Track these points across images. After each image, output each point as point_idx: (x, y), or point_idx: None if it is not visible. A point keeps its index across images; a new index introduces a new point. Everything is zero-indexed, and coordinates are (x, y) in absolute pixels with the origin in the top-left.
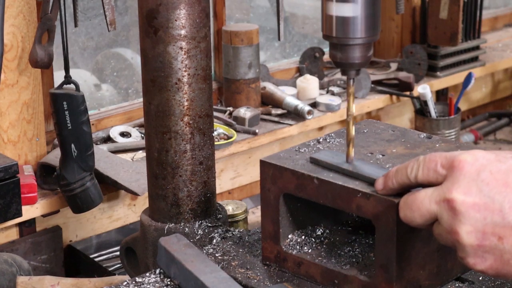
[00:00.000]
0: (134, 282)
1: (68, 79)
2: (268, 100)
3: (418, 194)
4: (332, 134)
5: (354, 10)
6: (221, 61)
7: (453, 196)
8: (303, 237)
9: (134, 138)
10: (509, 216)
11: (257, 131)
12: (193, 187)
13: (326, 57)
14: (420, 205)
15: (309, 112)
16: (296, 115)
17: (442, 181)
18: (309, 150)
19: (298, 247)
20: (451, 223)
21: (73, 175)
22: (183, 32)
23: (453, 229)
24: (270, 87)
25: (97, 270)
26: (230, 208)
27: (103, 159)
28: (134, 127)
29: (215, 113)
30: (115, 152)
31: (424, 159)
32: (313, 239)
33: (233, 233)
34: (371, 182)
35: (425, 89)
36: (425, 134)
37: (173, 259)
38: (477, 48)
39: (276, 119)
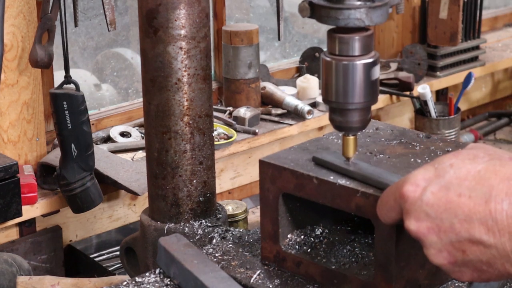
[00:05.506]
0: (134, 282)
1: (68, 79)
2: (268, 100)
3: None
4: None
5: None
6: (221, 61)
7: (409, 227)
8: (302, 236)
9: (134, 138)
10: (461, 231)
11: (257, 131)
12: (193, 187)
13: None
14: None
15: (309, 112)
16: (296, 115)
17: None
18: (311, 149)
19: (297, 246)
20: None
21: (73, 175)
22: (183, 32)
23: (425, 253)
24: (270, 87)
25: (97, 270)
26: (230, 208)
27: (103, 159)
28: (134, 127)
29: (215, 113)
30: (115, 152)
31: (381, 201)
32: (312, 239)
33: (233, 233)
34: (375, 185)
35: (425, 89)
36: (424, 134)
37: (172, 259)
38: (477, 48)
39: (276, 119)
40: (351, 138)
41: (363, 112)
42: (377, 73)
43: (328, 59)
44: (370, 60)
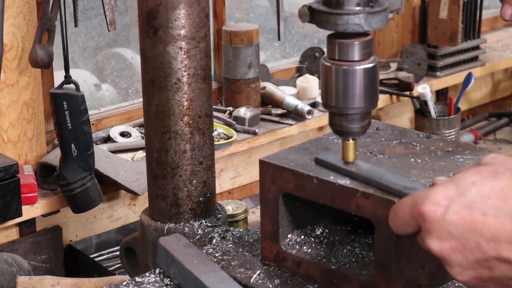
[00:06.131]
0: (134, 282)
1: (68, 79)
2: (268, 100)
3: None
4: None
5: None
6: (221, 61)
7: (431, 247)
8: (302, 236)
9: (134, 138)
10: (488, 250)
11: (257, 131)
12: (193, 187)
13: None
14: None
15: (309, 112)
16: (296, 115)
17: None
18: (312, 149)
19: (297, 246)
20: (443, 265)
21: (73, 175)
22: (182, 32)
23: (447, 270)
24: (270, 87)
25: (97, 270)
26: (230, 208)
27: (103, 159)
28: (134, 127)
29: (215, 113)
30: (115, 152)
31: (395, 213)
32: (313, 239)
33: (233, 233)
34: (378, 186)
35: (425, 89)
36: (424, 134)
37: (172, 259)
38: (477, 48)
39: (276, 119)
40: (351, 142)
41: (363, 116)
42: (377, 78)
43: (328, 64)
44: (370, 65)
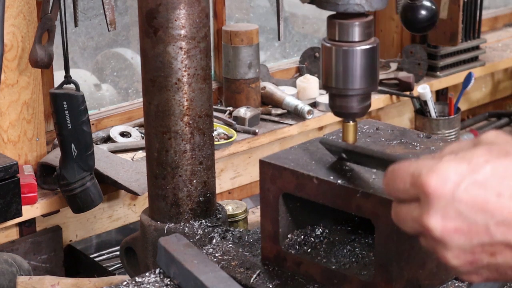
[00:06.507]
0: (134, 282)
1: (68, 79)
2: (268, 100)
3: (400, 209)
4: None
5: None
6: (221, 61)
7: (431, 224)
8: (302, 236)
9: (134, 138)
10: (496, 234)
11: (257, 131)
12: (193, 187)
13: None
14: (404, 223)
15: (309, 112)
16: (296, 115)
17: (417, 198)
18: (309, 149)
19: (297, 246)
20: (435, 248)
21: (73, 175)
22: (182, 32)
23: (439, 254)
24: (270, 87)
25: (97, 270)
26: (230, 208)
27: (103, 159)
28: (134, 127)
29: (215, 113)
30: (115, 152)
31: (393, 176)
32: (313, 239)
33: (233, 233)
34: (382, 157)
35: (425, 89)
36: (424, 134)
37: (172, 259)
38: (477, 48)
39: (276, 119)
40: (351, 124)
41: (363, 98)
42: (377, 59)
43: (328, 45)
44: (370, 46)
